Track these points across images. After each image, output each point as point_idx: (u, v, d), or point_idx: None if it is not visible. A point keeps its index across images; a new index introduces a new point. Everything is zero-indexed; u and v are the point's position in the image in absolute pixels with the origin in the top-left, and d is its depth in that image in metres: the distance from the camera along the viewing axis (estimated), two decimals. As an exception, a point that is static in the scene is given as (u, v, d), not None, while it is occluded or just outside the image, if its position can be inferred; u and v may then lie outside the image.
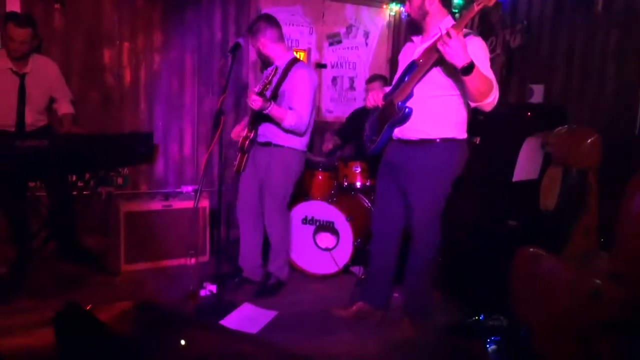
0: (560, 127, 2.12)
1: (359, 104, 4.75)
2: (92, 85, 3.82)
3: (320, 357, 2.37)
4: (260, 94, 2.82)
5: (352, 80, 4.84)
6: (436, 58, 2.23)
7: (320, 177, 3.80)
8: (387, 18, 4.88)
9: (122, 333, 2.59)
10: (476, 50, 2.23)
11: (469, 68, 2.08)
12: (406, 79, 2.45)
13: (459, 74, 2.15)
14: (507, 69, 3.58)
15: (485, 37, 3.73)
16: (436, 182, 2.47)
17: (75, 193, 3.43)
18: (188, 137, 4.19)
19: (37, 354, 2.36)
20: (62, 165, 3.06)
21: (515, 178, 2.64)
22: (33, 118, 3.14)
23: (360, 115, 4.23)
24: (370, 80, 4.09)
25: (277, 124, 2.95)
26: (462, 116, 2.45)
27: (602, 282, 1.83)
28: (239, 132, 3.16)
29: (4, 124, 3.05)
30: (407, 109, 2.42)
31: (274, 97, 2.96)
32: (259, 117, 3.00)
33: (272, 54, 3.02)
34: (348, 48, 4.76)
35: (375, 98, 2.56)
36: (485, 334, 2.57)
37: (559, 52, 3.23)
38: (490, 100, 2.24)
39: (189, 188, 3.95)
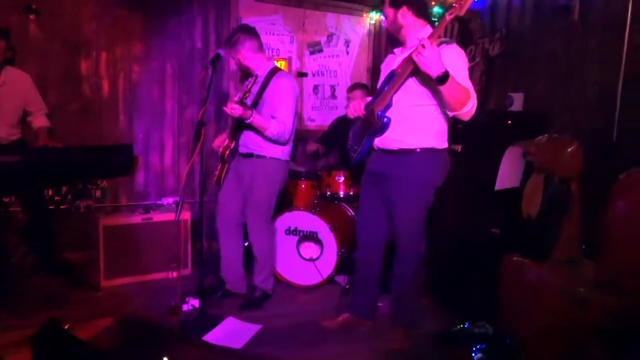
0: (541, 136, 2.14)
1: (340, 112, 4.75)
2: (70, 96, 3.74)
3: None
4: (240, 102, 2.79)
5: (333, 88, 4.84)
6: (412, 68, 2.25)
7: (303, 186, 3.78)
8: (368, 26, 4.91)
9: (104, 350, 2.51)
10: (452, 59, 2.24)
11: (444, 77, 2.10)
12: (385, 88, 2.45)
13: (434, 83, 2.16)
14: (486, 77, 3.62)
15: (464, 46, 3.78)
16: (417, 191, 2.47)
17: (52, 207, 3.35)
18: (169, 147, 4.13)
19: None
20: (37, 181, 2.98)
21: (497, 187, 2.66)
22: (6, 132, 3.06)
23: (342, 122, 4.23)
24: (352, 89, 4.10)
25: (259, 134, 2.92)
26: (441, 126, 2.46)
27: (588, 289, 1.85)
28: (221, 142, 3.12)
29: None
30: (385, 119, 2.42)
31: (255, 105, 2.94)
32: (241, 127, 2.97)
33: (253, 65, 3.00)
34: (329, 56, 4.77)
35: (356, 108, 2.56)
36: (470, 342, 2.57)
37: (538, 59, 3.27)
38: (467, 109, 2.24)
39: (170, 200, 3.88)
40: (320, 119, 4.80)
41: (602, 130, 2.84)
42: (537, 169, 2.11)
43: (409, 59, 2.24)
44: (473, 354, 2.45)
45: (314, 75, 4.73)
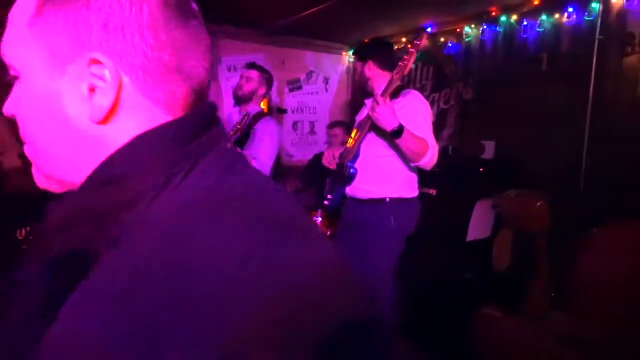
0: (509, 192, 2.20)
1: (320, 148, 4.80)
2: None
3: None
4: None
5: (312, 124, 4.90)
6: (371, 123, 2.32)
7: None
8: (347, 64, 5.01)
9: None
10: (410, 110, 2.32)
11: (398, 132, 2.17)
12: (354, 138, 2.52)
13: (390, 137, 2.24)
14: (461, 119, 3.71)
15: (440, 89, 3.89)
16: (387, 240, 2.49)
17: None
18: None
19: None
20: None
21: (469, 238, 2.71)
22: None
23: (321, 159, 4.27)
24: (332, 126, 4.16)
25: None
26: (408, 175, 2.50)
27: (558, 346, 1.89)
28: None
29: None
30: (352, 169, 2.48)
31: (240, 143, 2.93)
32: None
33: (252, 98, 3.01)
34: (308, 93, 4.84)
35: (330, 159, 2.61)
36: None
37: (509, 106, 3.37)
38: (427, 160, 2.29)
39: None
40: (299, 155, 4.84)
41: (570, 179, 2.93)
42: (506, 224, 2.16)
43: (368, 115, 2.32)
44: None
45: (293, 112, 4.78)
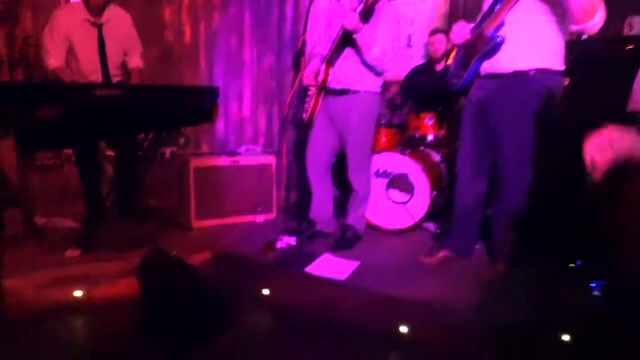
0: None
1: (417, 62, 4.58)
2: (151, 42, 3.74)
3: (414, 302, 2.28)
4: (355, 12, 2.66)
5: (409, 37, 4.67)
6: None
7: (384, 134, 3.68)
8: (445, -29, 4.68)
9: (206, 281, 2.50)
10: None
11: None
12: (496, 8, 2.31)
13: None
14: None
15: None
16: (529, 119, 2.33)
17: (140, 153, 3.38)
18: (247, 97, 4.11)
19: (124, 302, 2.30)
20: (134, 119, 2.99)
21: (630, 107, 2.46)
22: (112, 73, 3.06)
23: (420, 72, 4.09)
24: (433, 33, 3.96)
25: (353, 65, 2.81)
26: (559, 44, 2.29)
27: None
28: (314, 74, 2.95)
29: (86, 77, 2.97)
30: (498, 38, 2.28)
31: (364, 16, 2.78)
32: (338, 54, 2.83)
33: None
34: (405, 4, 4.58)
35: (461, 32, 2.45)
36: (588, 280, 2.44)
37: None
38: (596, 21, 2.06)
39: (250, 148, 3.89)
40: (394, 70, 4.64)
41: None
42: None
43: None
44: (593, 291, 2.33)
45: (389, 24, 4.56)
